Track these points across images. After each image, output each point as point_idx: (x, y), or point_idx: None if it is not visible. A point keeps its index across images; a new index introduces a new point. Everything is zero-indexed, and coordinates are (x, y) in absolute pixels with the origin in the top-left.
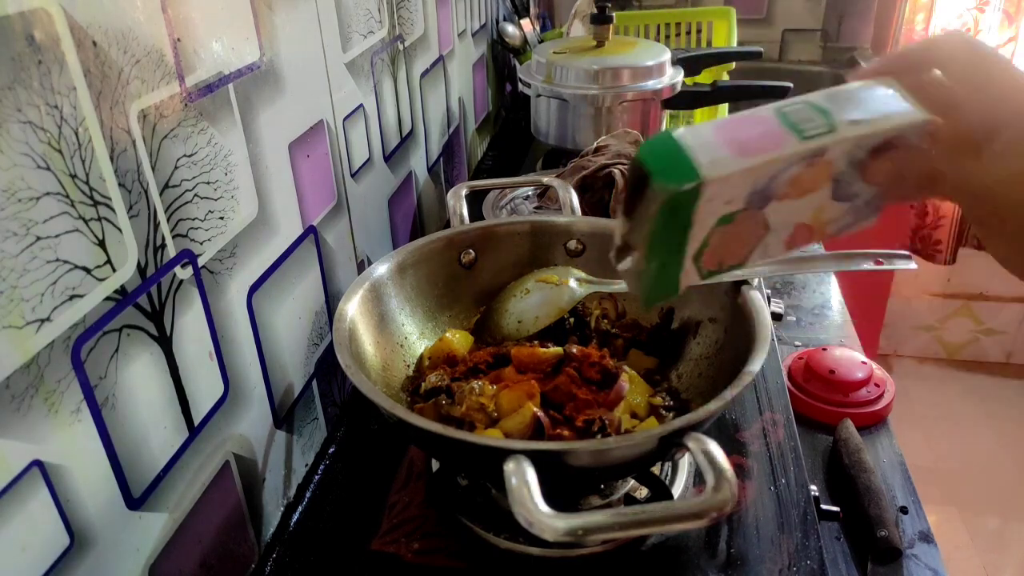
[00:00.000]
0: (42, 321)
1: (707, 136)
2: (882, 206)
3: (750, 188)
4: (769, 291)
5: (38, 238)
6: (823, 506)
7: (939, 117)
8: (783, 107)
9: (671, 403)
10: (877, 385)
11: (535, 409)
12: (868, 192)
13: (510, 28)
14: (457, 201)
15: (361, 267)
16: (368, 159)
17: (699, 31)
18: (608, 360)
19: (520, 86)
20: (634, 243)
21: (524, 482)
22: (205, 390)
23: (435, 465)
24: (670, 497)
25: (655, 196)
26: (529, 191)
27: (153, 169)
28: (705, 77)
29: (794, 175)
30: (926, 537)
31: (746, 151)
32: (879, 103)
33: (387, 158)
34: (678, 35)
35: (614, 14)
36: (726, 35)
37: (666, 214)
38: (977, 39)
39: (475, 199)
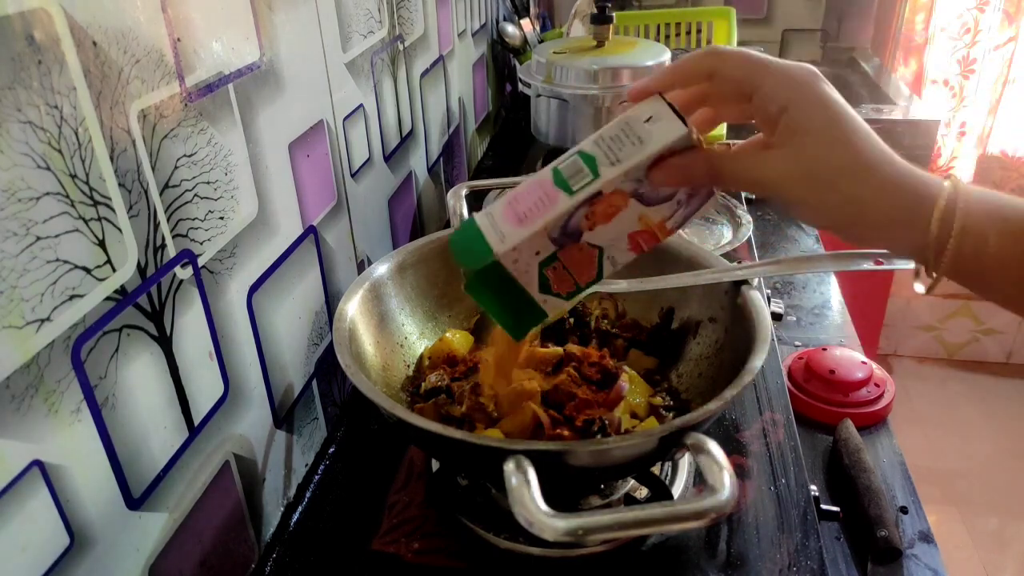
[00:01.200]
0: (42, 321)
1: (497, 214)
2: (709, 192)
3: (547, 240)
4: (769, 291)
5: (38, 238)
6: (823, 506)
7: (740, 109)
8: (559, 164)
9: (671, 403)
10: (877, 385)
11: (535, 409)
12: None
13: (510, 28)
14: (457, 201)
15: (361, 267)
16: (368, 159)
17: (699, 31)
18: (608, 360)
19: (520, 86)
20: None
21: (524, 482)
22: (205, 390)
23: (435, 465)
24: (670, 497)
25: (466, 273)
26: None
27: (153, 169)
28: None
29: (585, 214)
30: (926, 537)
31: (525, 220)
32: (641, 130)
33: (387, 158)
34: (678, 35)
35: (614, 14)
36: (726, 35)
37: (480, 283)
38: (743, 48)
39: (475, 199)
